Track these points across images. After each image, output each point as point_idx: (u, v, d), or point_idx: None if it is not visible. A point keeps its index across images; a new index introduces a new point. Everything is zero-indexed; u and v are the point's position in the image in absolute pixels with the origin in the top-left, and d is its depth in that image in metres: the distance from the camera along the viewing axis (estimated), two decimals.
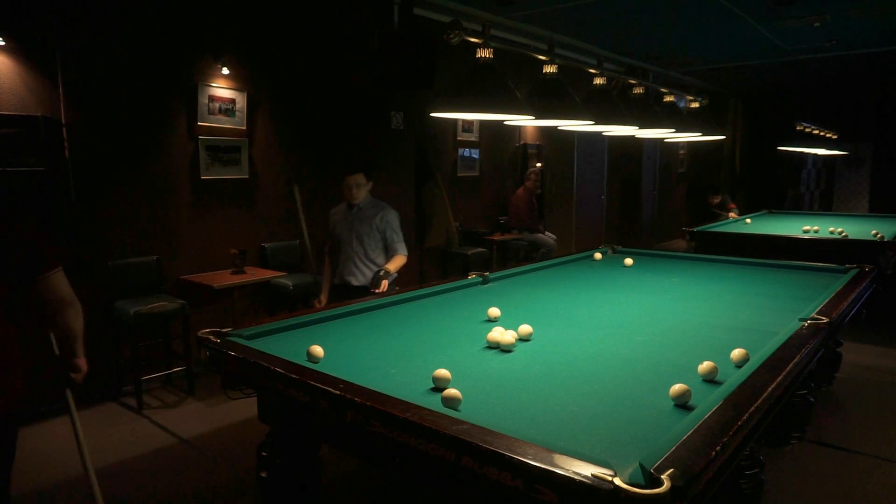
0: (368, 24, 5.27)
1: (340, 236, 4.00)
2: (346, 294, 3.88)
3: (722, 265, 4.38)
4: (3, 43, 3.86)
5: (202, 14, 4.85)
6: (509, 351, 2.41)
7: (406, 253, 3.98)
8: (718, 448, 1.46)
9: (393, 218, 3.97)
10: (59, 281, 2.48)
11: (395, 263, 3.87)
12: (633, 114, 4.06)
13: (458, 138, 7.29)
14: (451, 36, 2.73)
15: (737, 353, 2.19)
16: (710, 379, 2.05)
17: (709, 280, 3.90)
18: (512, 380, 2.11)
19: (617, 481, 1.27)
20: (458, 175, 7.35)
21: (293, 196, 4.65)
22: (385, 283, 3.66)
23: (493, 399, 1.93)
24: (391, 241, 3.94)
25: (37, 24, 4.01)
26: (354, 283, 3.94)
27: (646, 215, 11.15)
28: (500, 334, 2.45)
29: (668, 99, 4.85)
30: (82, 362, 2.54)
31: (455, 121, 7.10)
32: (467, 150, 7.45)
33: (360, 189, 3.93)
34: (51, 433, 3.89)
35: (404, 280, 5.75)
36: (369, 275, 3.89)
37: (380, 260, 3.96)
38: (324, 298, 4.09)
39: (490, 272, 3.82)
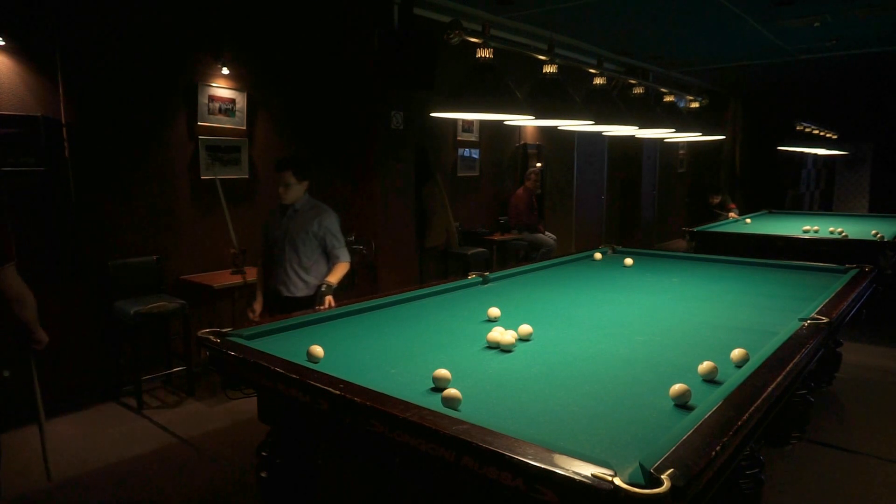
0: (368, 24, 5.27)
1: (273, 240, 3.66)
2: (276, 304, 3.60)
3: (722, 265, 4.38)
4: (3, 43, 3.86)
5: (202, 14, 4.86)
6: (509, 351, 2.41)
7: (348, 259, 3.67)
8: (718, 448, 1.46)
9: (332, 222, 3.64)
10: (10, 276, 2.59)
11: (338, 274, 3.57)
12: (633, 114, 4.06)
13: (458, 138, 7.29)
14: (451, 36, 2.73)
15: (737, 353, 2.19)
16: (710, 379, 2.05)
17: (709, 280, 3.90)
18: (512, 380, 2.11)
19: (617, 481, 1.27)
20: (458, 175, 7.34)
21: (216, 190, 4.40)
22: (329, 300, 3.34)
23: (493, 399, 1.93)
24: (331, 248, 3.62)
25: (37, 24, 4.01)
26: (285, 293, 3.60)
27: (646, 215, 11.15)
28: (500, 334, 2.45)
29: (668, 99, 4.85)
30: (40, 335, 2.80)
31: (455, 121, 7.09)
32: (467, 150, 7.45)
33: (290, 189, 3.58)
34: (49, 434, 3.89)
35: (405, 280, 5.77)
36: (301, 286, 3.60)
37: (316, 269, 3.61)
38: (258, 307, 3.73)
39: (490, 272, 3.81)
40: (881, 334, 5.67)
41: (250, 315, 3.69)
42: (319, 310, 3.05)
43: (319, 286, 3.46)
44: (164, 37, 4.64)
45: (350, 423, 1.81)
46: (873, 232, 5.86)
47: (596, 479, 1.29)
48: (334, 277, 3.53)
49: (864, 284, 3.51)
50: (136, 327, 4.27)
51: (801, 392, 2.43)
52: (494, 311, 2.87)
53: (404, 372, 2.17)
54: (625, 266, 4.36)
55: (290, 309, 3.39)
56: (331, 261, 3.65)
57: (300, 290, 3.59)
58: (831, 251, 5.33)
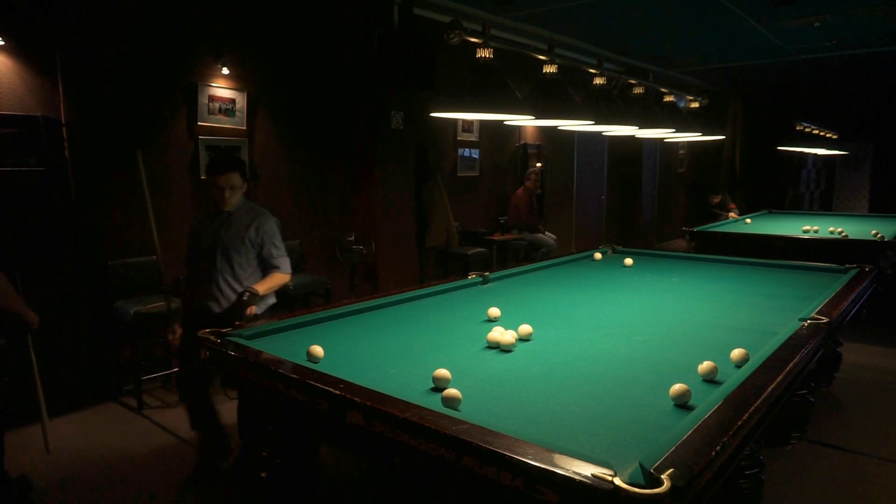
0: (368, 24, 5.27)
1: (201, 250, 3.19)
2: (204, 324, 2.88)
3: (722, 265, 4.38)
4: (2, 43, 3.86)
5: (202, 14, 4.86)
6: (509, 351, 2.41)
7: (289, 271, 3.24)
8: (718, 448, 1.46)
9: (272, 227, 3.23)
10: None
11: (269, 283, 3.11)
12: (633, 114, 4.06)
13: (458, 138, 7.29)
14: (451, 36, 2.73)
15: (737, 353, 2.19)
16: (710, 379, 2.05)
17: (709, 280, 3.90)
18: (512, 380, 2.11)
19: (617, 481, 1.27)
20: (458, 175, 7.35)
21: (137, 168, 4.06)
22: (252, 310, 2.84)
23: (493, 399, 1.93)
24: (269, 257, 3.19)
25: (37, 24, 4.01)
26: (216, 309, 3.13)
27: (646, 215, 11.14)
28: (500, 334, 2.45)
29: (668, 99, 4.85)
30: (28, 315, 2.94)
31: (455, 121, 7.10)
32: (467, 150, 7.45)
33: (235, 192, 3.15)
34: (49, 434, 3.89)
35: (405, 280, 5.76)
36: (231, 300, 3.11)
37: (251, 282, 3.14)
38: (178, 329, 3.19)
39: (490, 272, 3.81)
40: (881, 334, 5.67)
41: (169, 338, 3.20)
42: (238, 325, 2.58)
43: (241, 294, 2.91)
44: (164, 37, 4.64)
45: (350, 424, 1.80)
46: (873, 232, 5.86)
47: (596, 479, 1.29)
48: (262, 286, 3.06)
49: (864, 284, 3.51)
50: (136, 327, 4.27)
51: (801, 392, 2.43)
52: (494, 311, 2.87)
53: (404, 372, 2.17)
54: (625, 266, 4.36)
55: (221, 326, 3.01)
56: (266, 271, 3.21)
57: (229, 305, 3.11)
58: (831, 251, 5.33)
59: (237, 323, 2.66)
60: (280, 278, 3.18)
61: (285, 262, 3.23)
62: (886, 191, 11.65)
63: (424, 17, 5.60)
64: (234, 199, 3.17)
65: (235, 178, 3.14)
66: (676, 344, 2.53)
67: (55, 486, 3.27)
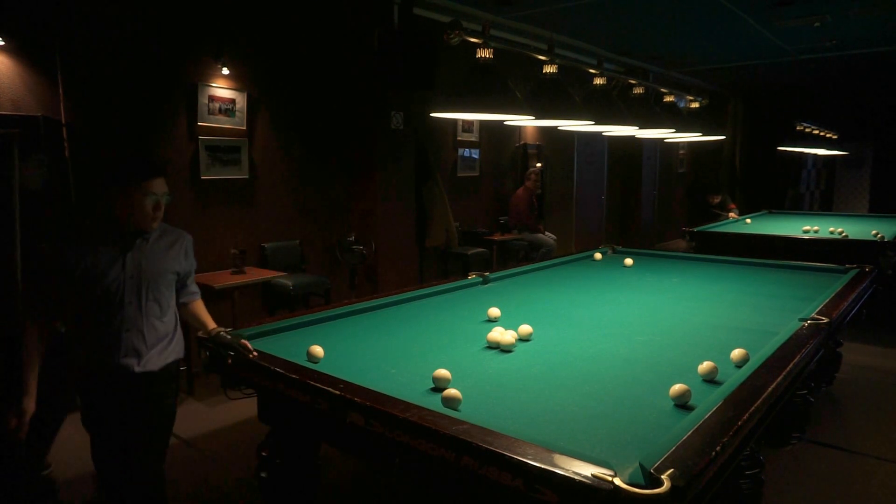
0: (368, 24, 5.28)
1: (106, 289, 2.19)
2: (124, 391, 2.23)
3: (722, 265, 4.38)
4: (2, 43, 3.86)
5: (202, 14, 4.86)
6: (509, 351, 2.41)
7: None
8: (718, 448, 1.46)
9: (192, 247, 2.49)
10: None
11: (208, 314, 2.53)
12: (633, 114, 4.06)
13: (458, 138, 7.29)
14: (451, 36, 2.73)
15: (737, 353, 2.19)
16: (710, 379, 2.05)
17: (709, 280, 3.90)
18: (512, 380, 2.11)
19: (617, 481, 1.28)
20: (458, 175, 7.35)
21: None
22: (248, 344, 2.29)
23: (493, 399, 1.93)
24: (190, 283, 2.51)
25: (37, 24, 4.01)
26: (137, 367, 2.22)
27: (646, 215, 11.15)
28: (500, 334, 2.45)
29: (668, 99, 4.85)
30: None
31: (455, 121, 7.09)
32: (467, 150, 7.45)
33: (164, 205, 2.30)
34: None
35: (405, 280, 5.77)
36: (160, 350, 2.30)
37: (170, 317, 2.38)
38: (29, 407, 2.14)
39: (490, 272, 3.81)
40: (881, 334, 5.66)
41: (13, 422, 2.13)
42: (252, 356, 2.22)
43: (218, 334, 2.36)
44: (164, 37, 4.64)
45: (350, 424, 1.80)
46: (873, 232, 5.86)
47: (596, 480, 1.29)
48: (211, 320, 2.50)
49: (864, 284, 3.51)
50: None
51: (801, 392, 2.43)
52: (494, 311, 2.87)
53: (404, 372, 2.17)
54: (625, 266, 4.36)
55: (146, 389, 2.26)
56: (184, 297, 2.50)
57: (158, 358, 2.30)
58: (831, 251, 5.33)
59: (251, 355, 2.22)
60: (203, 305, 2.58)
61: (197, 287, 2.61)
62: (886, 191, 11.64)
63: (424, 17, 5.60)
64: (162, 213, 2.31)
65: (164, 185, 2.29)
66: (676, 344, 2.53)
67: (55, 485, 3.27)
